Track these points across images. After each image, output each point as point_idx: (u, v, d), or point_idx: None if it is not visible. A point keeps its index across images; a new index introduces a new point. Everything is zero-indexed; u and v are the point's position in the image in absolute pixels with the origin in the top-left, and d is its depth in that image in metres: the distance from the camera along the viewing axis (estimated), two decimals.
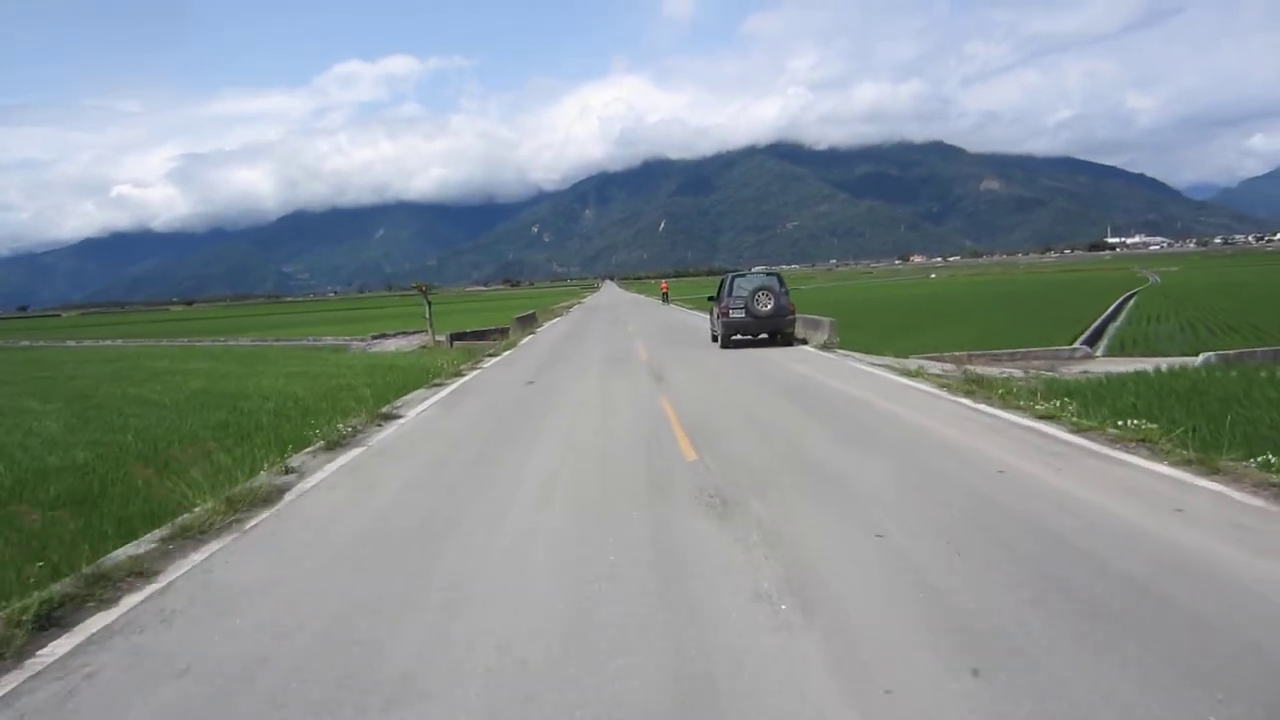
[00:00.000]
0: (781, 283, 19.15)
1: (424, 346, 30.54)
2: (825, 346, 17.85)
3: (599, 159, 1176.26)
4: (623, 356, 18.30)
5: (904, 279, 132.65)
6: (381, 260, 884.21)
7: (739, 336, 19.12)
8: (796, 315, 19.45)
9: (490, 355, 20.21)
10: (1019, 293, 59.37)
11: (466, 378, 15.59)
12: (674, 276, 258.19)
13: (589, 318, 41.47)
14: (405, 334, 36.36)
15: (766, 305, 18.32)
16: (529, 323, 33.86)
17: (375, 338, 36.72)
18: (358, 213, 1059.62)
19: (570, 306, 61.87)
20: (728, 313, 18.73)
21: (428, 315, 30.70)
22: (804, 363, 15.26)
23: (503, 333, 31.06)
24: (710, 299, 21.67)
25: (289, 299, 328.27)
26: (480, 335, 32.55)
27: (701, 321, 31.43)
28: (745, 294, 18.51)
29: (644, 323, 33.03)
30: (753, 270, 20.21)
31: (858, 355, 16.66)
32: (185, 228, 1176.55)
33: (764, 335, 19.19)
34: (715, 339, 20.58)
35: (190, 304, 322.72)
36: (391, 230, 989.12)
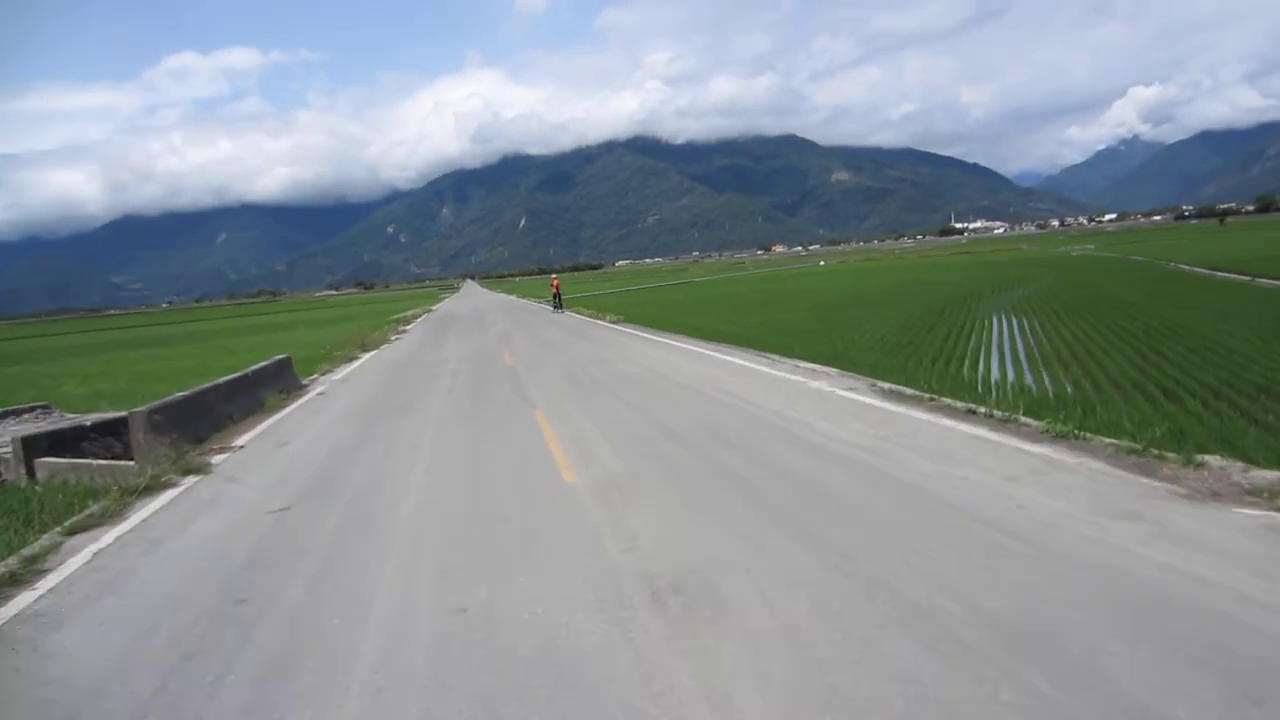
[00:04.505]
0: None
1: None
2: None
3: (456, 155, 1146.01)
4: None
5: (794, 268, 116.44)
6: (225, 266, 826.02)
7: None
8: None
9: None
10: (1011, 276, 47.02)
11: None
12: (537, 274, 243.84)
13: (427, 357, 24.73)
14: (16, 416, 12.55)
15: None
16: (278, 388, 14.75)
17: None
18: (196, 216, 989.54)
19: (412, 319, 44.57)
20: None
21: None
22: None
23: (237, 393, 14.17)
24: None
25: (113, 312, 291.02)
26: (199, 403, 12.48)
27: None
28: None
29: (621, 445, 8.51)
30: None
31: None
32: None
33: None
34: None
35: None
36: (235, 234, 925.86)
